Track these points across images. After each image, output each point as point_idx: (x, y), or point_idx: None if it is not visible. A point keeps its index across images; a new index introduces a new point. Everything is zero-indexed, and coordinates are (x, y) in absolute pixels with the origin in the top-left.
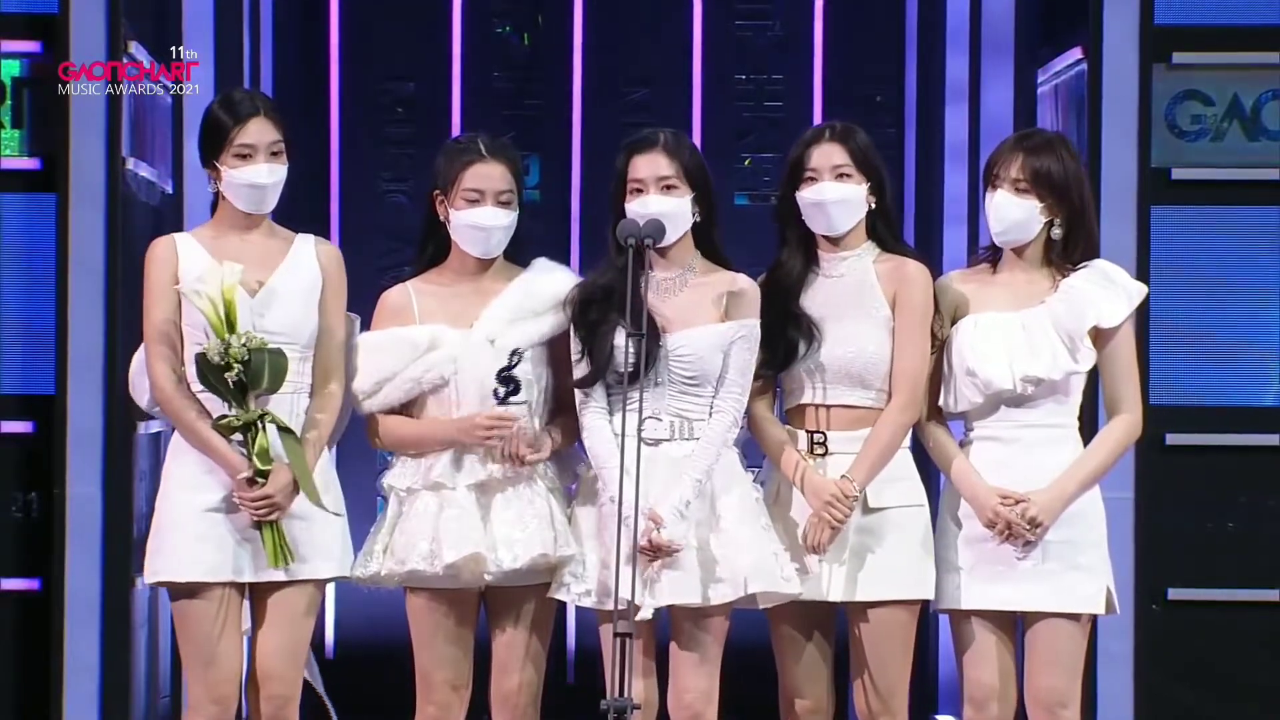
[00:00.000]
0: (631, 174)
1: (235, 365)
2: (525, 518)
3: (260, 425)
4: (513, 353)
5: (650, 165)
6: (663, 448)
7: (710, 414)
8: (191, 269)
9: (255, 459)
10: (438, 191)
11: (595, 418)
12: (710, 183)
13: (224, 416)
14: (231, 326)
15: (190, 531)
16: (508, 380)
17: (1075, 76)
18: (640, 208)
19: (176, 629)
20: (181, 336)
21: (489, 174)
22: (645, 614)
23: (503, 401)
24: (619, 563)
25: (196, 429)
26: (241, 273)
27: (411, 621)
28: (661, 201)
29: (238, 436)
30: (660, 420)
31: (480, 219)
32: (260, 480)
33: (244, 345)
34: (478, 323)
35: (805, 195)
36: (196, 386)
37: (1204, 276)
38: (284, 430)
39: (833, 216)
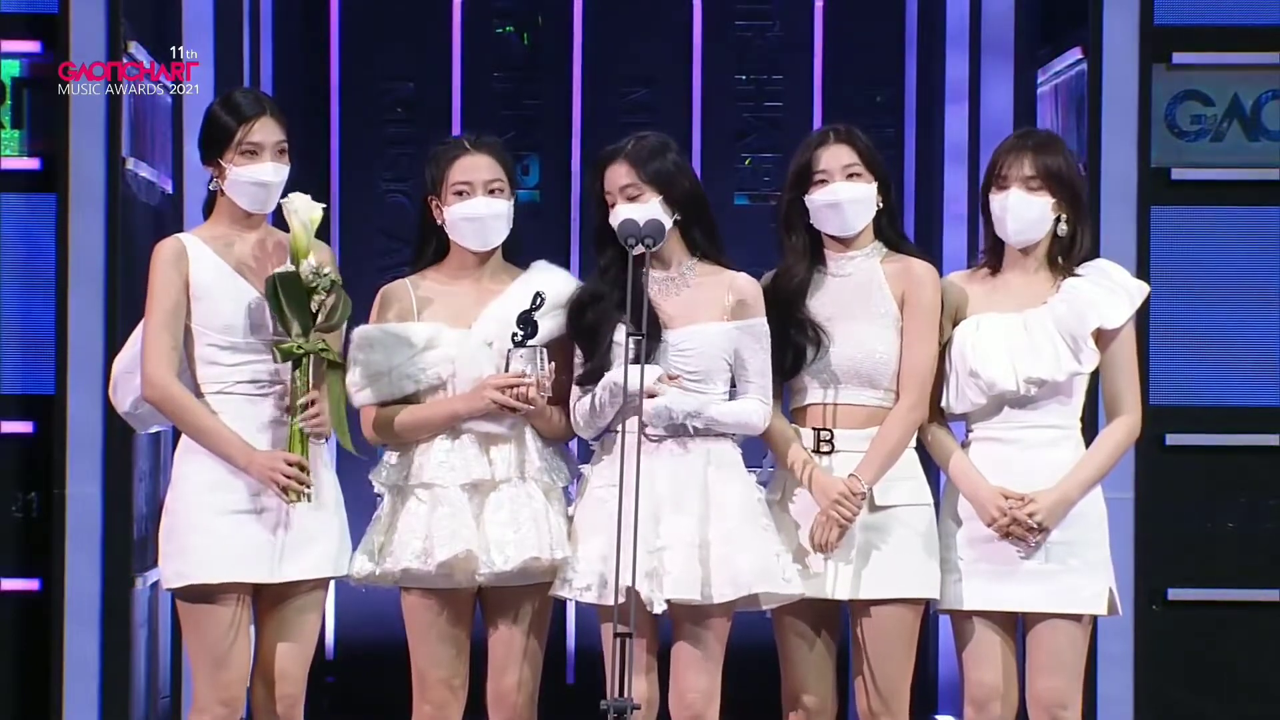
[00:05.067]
0: (605, 188)
1: (321, 292)
2: (519, 519)
3: (315, 358)
4: (535, 294)
5: (612, 177)
6: (666, 444)
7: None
8: (202, 269)
9: (301, 390)
10: (431, 196)
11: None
12: (680, 184)
13: (284, 341)
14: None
15: (213, 533)
16: (527, 323)
17: (1075, 76)
18: (613, 218)
19: (187, 631)
20: (190, 337)
21: (474, 165)
22: (656, 608)
23: (519, 344)
24: (619, 559)
25: (199, 418)
26: (324, 213)
27: (407, 621)
28: (630, 209)
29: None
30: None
31: (472, 210)
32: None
33: (327, 274)
34: (476, 324)
35: (818, 197)
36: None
37: (1204, 276)
38: (334, 365)
39: (848, 216)
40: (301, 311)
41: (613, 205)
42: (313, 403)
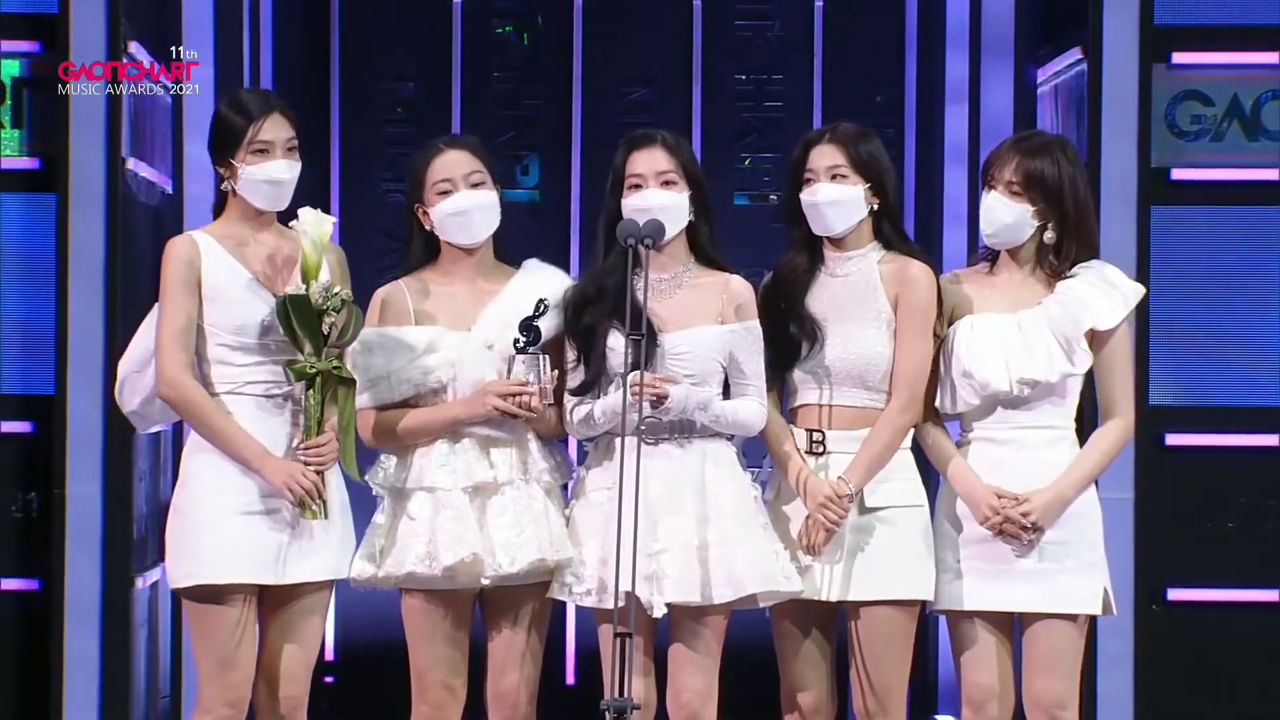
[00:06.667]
0: (630, 169)
1: (332, 313)
2: (522, 521)
3: (327, 376)
4: (539, 301)
5: (650, 160)
6: (662, 446)
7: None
8: (214, 269)
9: (314, 410)
10: (417, 205)
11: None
12: (705, 186)
13: (296, 361)
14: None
15: (224, 534)
16: (529, 329)
17: (1075, 76)
18: (639, 201)
19: (194, 631)
20: (202, 335)
21: (452, 161)
22: (657, 612)
23: (521, 350)
24: (619, 561)
25: (214, 418)
26: (333, 224)
27: (407, 622)
28: (661, 195)
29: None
30: (660, 420)
31: (456, 205)
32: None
33: (337, 294)
34: (475, 326)
35: (803, 197)
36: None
37: (1204, 276)
38: (345, 381)
39: (827, 217)
40: (313, 332)
41: (635, 188)
42: (324, 434)
